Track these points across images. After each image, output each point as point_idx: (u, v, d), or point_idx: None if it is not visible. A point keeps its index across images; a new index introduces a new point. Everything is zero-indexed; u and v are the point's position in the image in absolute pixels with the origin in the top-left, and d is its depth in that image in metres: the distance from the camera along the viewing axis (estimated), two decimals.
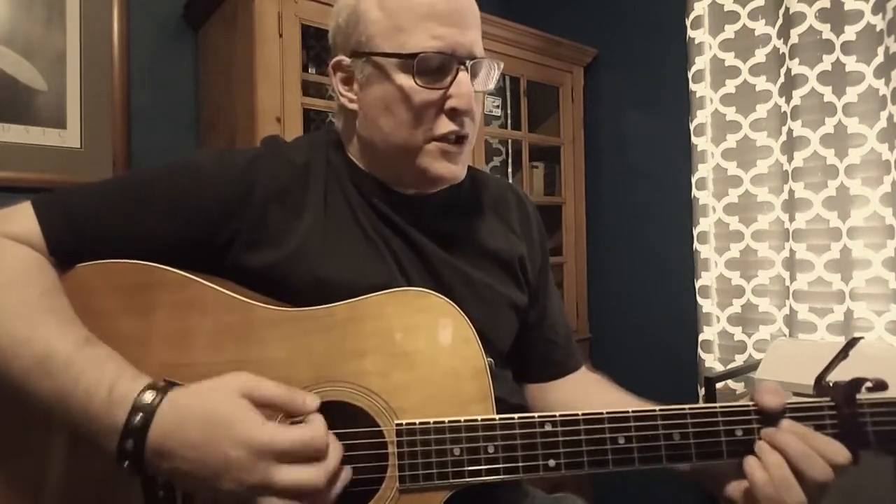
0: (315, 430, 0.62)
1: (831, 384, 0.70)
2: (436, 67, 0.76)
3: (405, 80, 0.77)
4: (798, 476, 0.64)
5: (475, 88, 0.80)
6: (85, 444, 0.63)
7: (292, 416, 0.64)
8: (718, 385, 1.75)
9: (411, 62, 0.75)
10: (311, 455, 0.61)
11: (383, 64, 0.78)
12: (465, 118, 0.79)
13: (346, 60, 0.82)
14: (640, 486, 2.16)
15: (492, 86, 0.84)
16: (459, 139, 0.80)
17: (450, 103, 0.77)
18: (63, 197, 0.76)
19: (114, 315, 0.72)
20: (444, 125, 0.78)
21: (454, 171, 0.81)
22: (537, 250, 0.96)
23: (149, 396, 0.62)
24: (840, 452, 0.65)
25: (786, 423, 0.67)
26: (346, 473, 0.65)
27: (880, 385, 0.67)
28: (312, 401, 0.65)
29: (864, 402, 0.68)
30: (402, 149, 0.80)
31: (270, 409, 0.63)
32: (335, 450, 0.64)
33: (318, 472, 0.61)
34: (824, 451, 0.65)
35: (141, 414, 0.61)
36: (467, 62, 0.78)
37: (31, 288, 0.68)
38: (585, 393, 0.95)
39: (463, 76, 0.77)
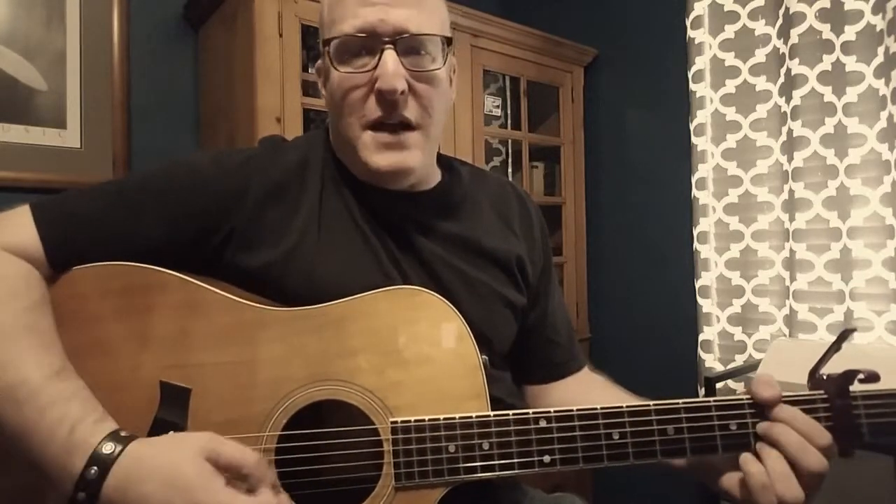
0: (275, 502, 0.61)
1: (824, 377, 0.70)
2: (355, 51, 0.75)
3: (333, 69, 0.76)
4: (794, 468, 0.64)
5: (412, 67, 0.75)
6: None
7: (250, 483, 0.62)
8: (718, 385, 1.75)
9: (329, 49, 0.76)
10: None
11: (325, 58, 0.79)
12: (395, 99, 0.74)
13: (320, 62, 0.83)
14: (641, 485, 2.16)
15: (439, 64, 0.78)
16: (401, 126, 0.76)
17: (375, 86, 0.74)
18: (60, 201, 0.76)
19: (109, 318, 0.72)
20: (372, 110, 0.75)
21: (396, 161, 0.76)
22: (539, 251, 0.95)
23: (108, 447, 0.60)
24: (822, 435, 0.65)
25: (778, 411, 0.67)
26: None
27: (872, 377, 0.67)
28: (272, 474, 0.64)
29: (857, 395, 0.69)
30: (347, 141, 0.78)
31: (232, 472, 0.61)
32: None
33: None
34: (811, 436, 0.65)
35: (96, 467, 0.59)
36: (395, 40, 0.73)
37: (15, 303, 0.67)
38: (587, 393, 0.94)
39: (388, 55, 0.73)
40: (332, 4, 0.77)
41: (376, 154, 0.76)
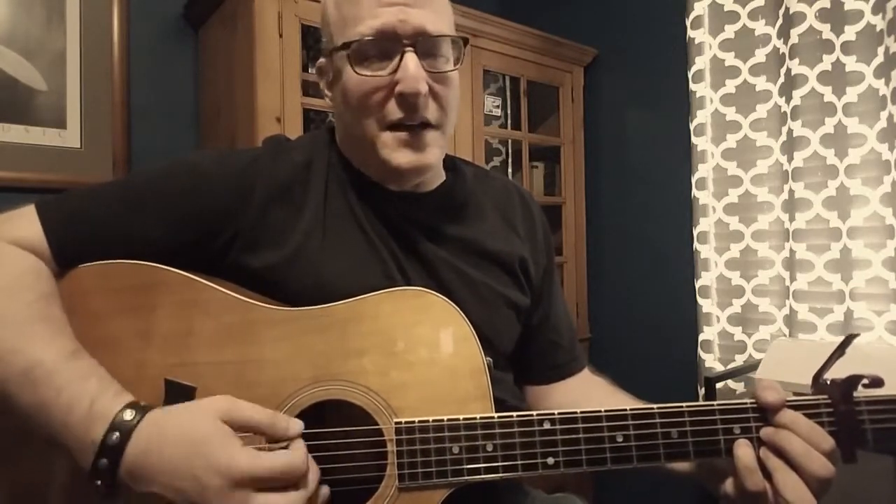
0: (294, 457, 0.62)
1: (828, 382, 0.70)
2: (375, 53, 0.75)
3: (349, 72, 0.76)
4: (800, 474, 0.64)
5: (430, 69, 0.76)
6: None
7: (273, 440, 0.63)
8: (718, 385, 1.75)
9: (349, 52, 0.75)
10: (290, 482, 0.61)
11: (337, 59, 0.78)
12: (417, 102, 0.74)
13: (323, 61, 0.83)
14: (641, 486, 2.16)
15: (451, 66, 0.79)
16: (421, 125, 0.76)
17: (397, 88, 0.74)
18: (66, 200, 0.76)
19: (114, 316, 0.72)
20: (393, 111, 0.75)
21: (416, 160, 0.77)
22: (541, 252, 0.95)
23: (128, 415, 0.61)
24: (825, 440, 0.65)
25: (781, 415, 0.67)
26: (325, 492, 0.66)
27: (876, 382, 0.67)
28: (295, 426, 0.64)
29: (861, 400, 0.68)
30: (364, 141, 0.78)
31: (251, 432, 0.62)
32: (314, 473, 0.64)
33: (296, 499, 0.61)
34: (814, 441, 0.65)
35: (118, 432, 0.60)
36: (416, 41, 0.74)
37: (26, 295, 0.67)
38: (587, 395, 0.94)
39: (409, 58, 0.73)
40: (342, 3, 0.77)
41: (395, 152, 0.77)
